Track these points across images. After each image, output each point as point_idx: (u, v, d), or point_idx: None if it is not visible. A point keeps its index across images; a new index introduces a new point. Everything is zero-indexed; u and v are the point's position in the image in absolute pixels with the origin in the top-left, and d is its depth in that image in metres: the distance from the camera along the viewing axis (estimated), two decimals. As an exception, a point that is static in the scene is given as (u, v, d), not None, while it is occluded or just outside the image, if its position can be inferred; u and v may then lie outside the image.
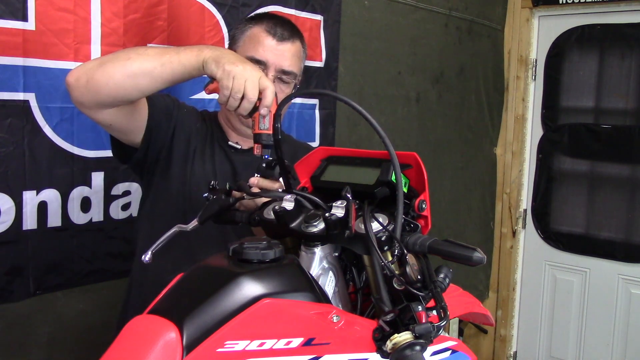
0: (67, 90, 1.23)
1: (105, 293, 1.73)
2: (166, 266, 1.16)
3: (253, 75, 1.14)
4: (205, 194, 1.12)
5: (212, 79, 1.19)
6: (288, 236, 1.01)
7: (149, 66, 1.19)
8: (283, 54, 1.43)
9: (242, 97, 1.14)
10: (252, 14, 1.58)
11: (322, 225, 0.94)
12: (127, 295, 1.48)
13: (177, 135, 1.43)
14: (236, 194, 1.12)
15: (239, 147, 1.49)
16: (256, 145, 1.15)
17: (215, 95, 1.82)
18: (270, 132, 1.13)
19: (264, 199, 1.10)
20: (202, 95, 1.78)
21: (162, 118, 1.39)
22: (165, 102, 1.43)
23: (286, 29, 1.46)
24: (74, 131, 1.58)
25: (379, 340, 0.84)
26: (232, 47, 1.49)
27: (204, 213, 1.10)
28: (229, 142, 1.49)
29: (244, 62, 1.17)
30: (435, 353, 0.95)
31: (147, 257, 1.04)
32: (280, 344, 0.78)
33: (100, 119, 1.27)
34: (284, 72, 1.43)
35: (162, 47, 1.24)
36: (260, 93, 1.15)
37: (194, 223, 1.09)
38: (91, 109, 1.25)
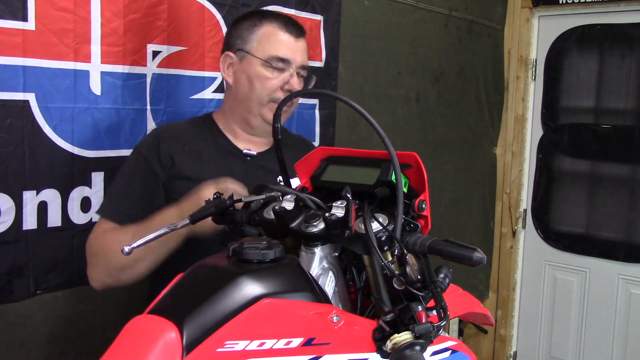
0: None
1: (105, 293, 1.72)
2: None
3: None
4: (207, 199, 1.12)
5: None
6: (288, 236, 1.01)
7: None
8: (300, 50, 1.44)
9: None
10: (248, 12, 1.56)
11: (322, 225, 0.94)
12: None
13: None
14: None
15: (253, 153, 1.48)
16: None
17: (215, 95, 1.83)
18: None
19: None
20: (203, 95, 1.78)
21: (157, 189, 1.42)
22: (146, 181, 1.43)
23: (297, 25, 1.47)
24: (74, 131, 1.58)
25: (379, 340, 0.84)
26: (234, 47, 1.45)
27: (198, 212, 1.09)
28: (243, 151, 1.47)
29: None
30: (435, 353, 0.95)
31: (126, 249, 1.01)
32: (280, 344, 0.78)
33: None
34: (303, 67, 1.44)
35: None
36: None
37: (185, 221, 1.09)
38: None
